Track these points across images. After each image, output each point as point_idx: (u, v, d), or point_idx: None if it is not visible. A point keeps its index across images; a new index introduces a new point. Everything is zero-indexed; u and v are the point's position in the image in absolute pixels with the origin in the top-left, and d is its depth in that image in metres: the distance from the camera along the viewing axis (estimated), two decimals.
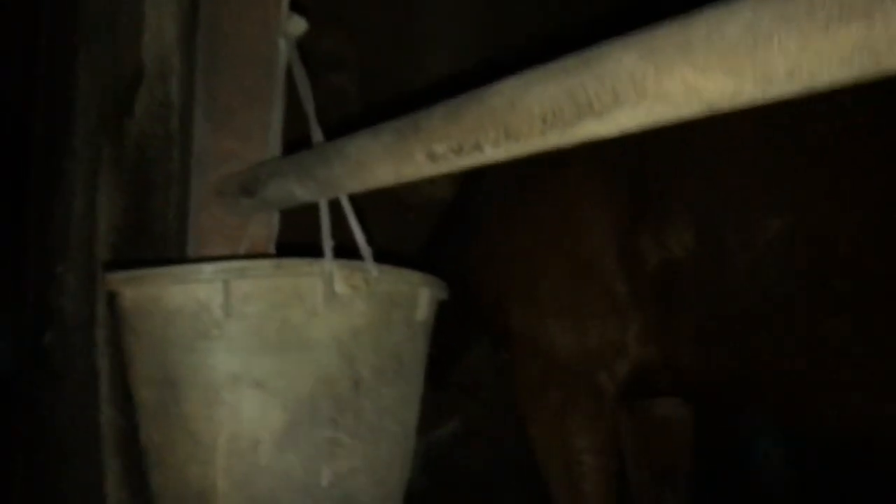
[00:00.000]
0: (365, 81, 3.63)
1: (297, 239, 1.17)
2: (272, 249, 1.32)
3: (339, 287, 1.01)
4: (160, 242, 1.47)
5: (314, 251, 1.03)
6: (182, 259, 1.29)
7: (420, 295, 1.13)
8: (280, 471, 0.97)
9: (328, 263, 1.00)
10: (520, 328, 2.01)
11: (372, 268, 1.05)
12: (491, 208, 2.19)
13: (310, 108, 1.19)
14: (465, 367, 2.90)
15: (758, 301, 1.62)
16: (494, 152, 0.64)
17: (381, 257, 1.09)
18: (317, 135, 1.16)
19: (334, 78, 3.53)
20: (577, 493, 1.93)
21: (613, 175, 1.88)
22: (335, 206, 1.10)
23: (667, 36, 0.49)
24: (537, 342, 1.99)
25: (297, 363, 0.99)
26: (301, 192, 0.98)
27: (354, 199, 1.12)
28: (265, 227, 1.27)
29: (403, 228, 3.38)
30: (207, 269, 0.94)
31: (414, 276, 1.12)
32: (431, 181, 1.25)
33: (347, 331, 1.03)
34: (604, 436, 1.95)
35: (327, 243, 1.02)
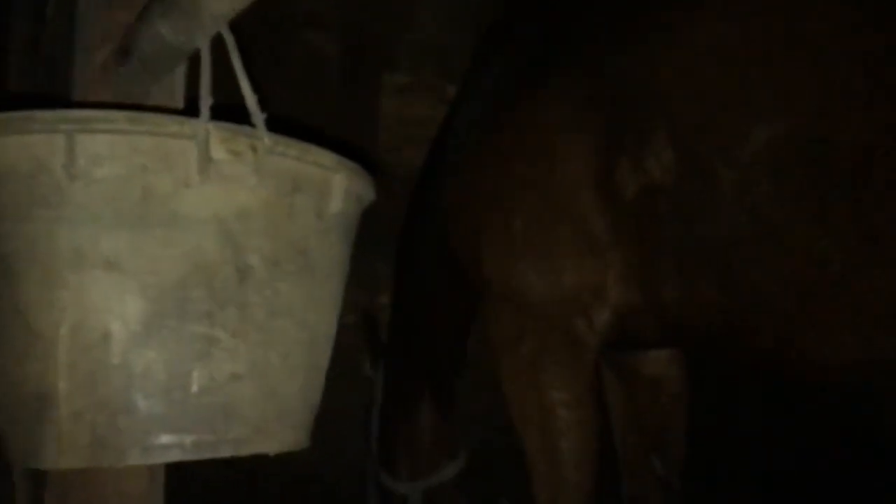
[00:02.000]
0: (347, 42, 3.45)
1: None
2: None
3: (217, 152, 0.83)
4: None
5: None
6: None
7: (333, 182, 0.95)
8: (137, 371, 0.79)
9: (203, 122, 0.82)
10: (492, 275, 1.82)
11: (263, 133, 0.87)
12: (462, 151, 2.00)
13: None
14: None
15: (746, 224, 1.42)
16: None
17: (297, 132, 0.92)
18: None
19: (313, 36, 3.36)
20: (553, 451, 1.74)
21: (588, 102, 1.69)
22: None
23: None
24: (510, 288, 1.80)
25: (162, 242, 0.81)
26: (167, 29, 0.80)
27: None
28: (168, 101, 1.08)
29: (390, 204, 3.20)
30: (44, 116, 0.77)
31: (326, 157, 0.94)
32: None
33: (232, 210, 0.85)
34: (582, 388, 1.75)
35: (205, 100, 0.84)
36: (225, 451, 0.82)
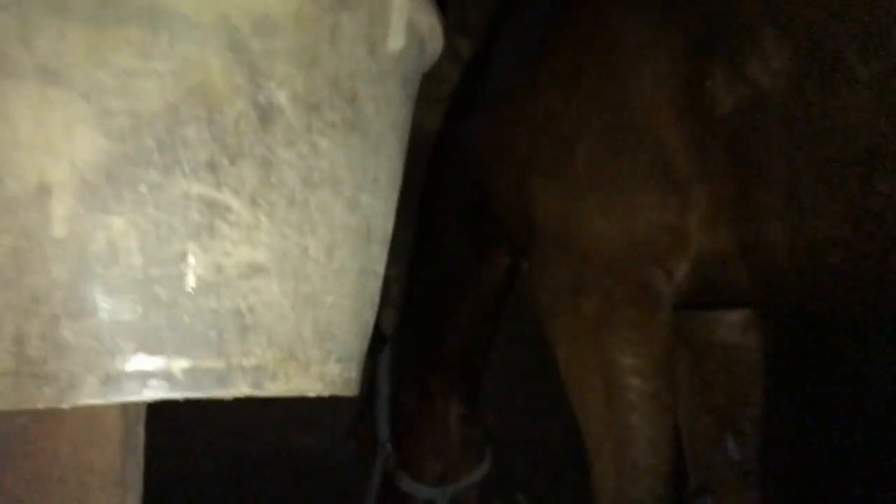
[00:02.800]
0: None
1: None
2: None
3: None
4: None
5: None
6: None
7: (392, 5, 0.65)
8: (94, 249, 0.48)
9: None
10: (545, 216, 1.51)
11: None
12: (504, 72, 1.70)
13: None
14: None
15: (889, 135, 1.12)
16: None
17: None
18: None
19: None
20: (622, 429, 1.43)
21: (671, 8, 1.39)
22: None
23: None
24: (568, 232, 1.49)
25: (139, 49, 0.50)
26: None
27: None
28: None
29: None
30: None
31: None
32: None
33: (249, 17, 0.54)
34: (657, 353, 1.45)
35: None
36: (239, 387, 0.51)
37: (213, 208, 0.51)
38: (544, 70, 1.55)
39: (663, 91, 1.37)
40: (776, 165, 1.26)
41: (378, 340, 2.17)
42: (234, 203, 0.52)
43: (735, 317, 1.70)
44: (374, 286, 0.64)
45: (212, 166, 0.51)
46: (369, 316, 0.65)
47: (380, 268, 0.66)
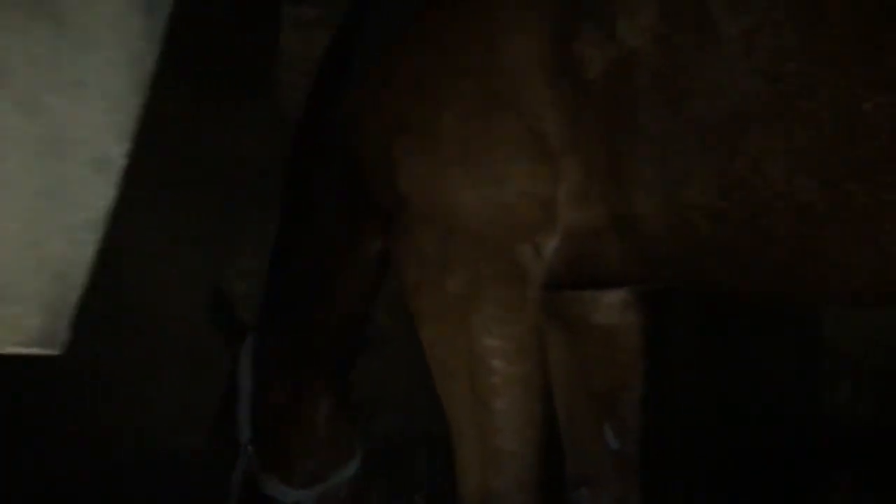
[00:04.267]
0: None
1: None
2: None
3: None
4: None
5: None
6: None
7: None
8: None
9: None
10: (410, 185, 1.41)
11: None
12: (374, 34, 1.58)
13: None
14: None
15: (760, 92, 1.07)
16: None
17: None
18: None
19: None
20: (486, 415, 1.33)
21: None
22: None
23: None
24: (434, 205, 1.39)
25: None
26: None
27: None
28: None
29: None
30: None
31: None
32: None
33: None
34: (525, 334, 1.36)
35: None
36: None
37: None
38: (412, 30, 1.45)
39: (531, 53, 1.29)
40: (647, 130, 1.19)
41: (238, 332, 2.02)
42: None
43: (613, 296, 1.63)
44: (76, 220, 0.51)
45: None
46: (76, 256, 0.52)
47: (88, 200, 0.53)
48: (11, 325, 0.45)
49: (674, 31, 1.13)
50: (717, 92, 1.09)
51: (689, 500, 2.57)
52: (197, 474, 2.52)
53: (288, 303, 1.94)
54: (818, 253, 1.11)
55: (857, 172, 1.03)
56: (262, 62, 3.16)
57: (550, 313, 1.67)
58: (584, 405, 1.66)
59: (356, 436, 1.99)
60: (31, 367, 1.58)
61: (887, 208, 1.03)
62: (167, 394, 2.98)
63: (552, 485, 1.48)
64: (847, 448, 2.42)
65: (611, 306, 1.64)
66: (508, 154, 1.33)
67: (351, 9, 1.86)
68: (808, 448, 2.48)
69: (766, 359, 2.51)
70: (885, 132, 0.99)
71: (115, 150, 0.55)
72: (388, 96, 1.47)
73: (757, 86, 1.06)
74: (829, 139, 1.03)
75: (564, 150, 1.31)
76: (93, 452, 2.81)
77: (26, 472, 2.75)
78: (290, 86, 3.06)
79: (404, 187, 1.41)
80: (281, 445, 1.91)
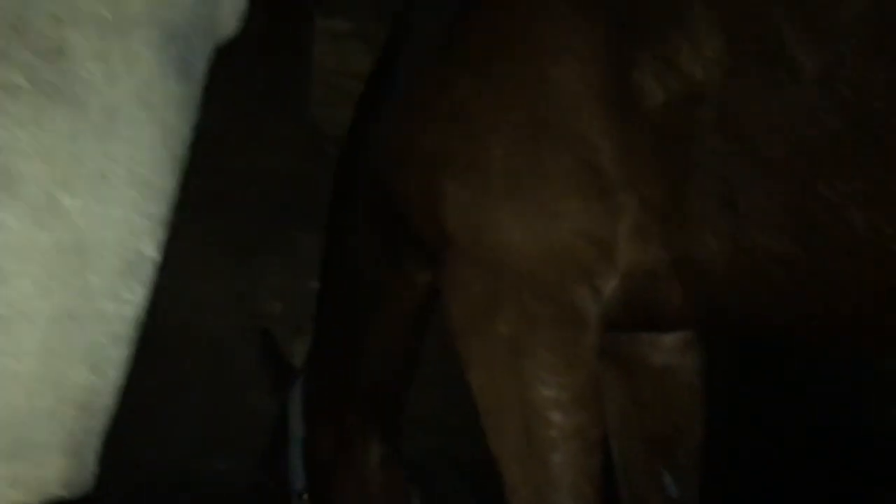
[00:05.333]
0: None
1: None
2: None
3: None
4: None
5: None
6: None
7: None
8: None
9: None
10: (456, 223, 1.33)
11: None
12: (413, 59, 1.51)
13: None
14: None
15: (839, 135, 0.96)
16: None
17: None
18: None
19: None
20: (542, 470, 1.24)
21: None
22: None
23: None
24: (482, 241, 1.31)
25: None
26: None
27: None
28: None
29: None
30: None
31: None
32: None
33: None
34: (582, 382, 1.27)
35: None
36: None
37: None
38: (455, 56, 1.37)
39: (586, 82, 1.20)
40: (711, 167, 1.10)
41: (288, 375, 1.95)
42: None
43: (672, 338, 1.53)
44: (104, 334, 0.44)
45: None
46: (99, 382, 0.45)
47: (120, 308, 0.46)
48: (34, 481, 0.37)
49: (743, 64, 1.03)
50: (793, 131, 1.00)
51: None
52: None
53: (334, 346, 1.87)
54: None
55: None
56: (295, 75, 3.12)
57: (604, 353, 1.58)
58: (641, 450, 1.56)
59: (409, 481, 1.91)
60: None
61: None
62: (195, 414, 2.93)
63: None
64: None
65: (669, 347, 1.55)
66: (561, 189, 1.25)
67: (393, 31, 1.80)
68: (862, 469, 2.37)
69: (818, 379, 2.40)
70: None
71: (147, 246, 0.48)
72: (430, 126, 1.39)
73: (838, 126, 0.96)
74: None
75: (621, 185, 1.22)
76: (116, 473, 2.77)
77: None
78: (323, 99, 3.02)
79: (449, 224, 1.34)
80: (334, 495, 1.84)
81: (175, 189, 0.51)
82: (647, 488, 1.56)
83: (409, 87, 1.48)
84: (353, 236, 1.79)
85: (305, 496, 1.82)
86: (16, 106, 0.40)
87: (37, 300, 0.40)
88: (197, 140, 0.60)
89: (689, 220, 1.15)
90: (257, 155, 3.15)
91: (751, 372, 2.45)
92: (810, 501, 2.31)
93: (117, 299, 0.46)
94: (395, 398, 1.89)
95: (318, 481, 1.84)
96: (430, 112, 1.39)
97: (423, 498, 2.01)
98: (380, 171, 1.60)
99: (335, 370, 1.85)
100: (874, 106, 0.93)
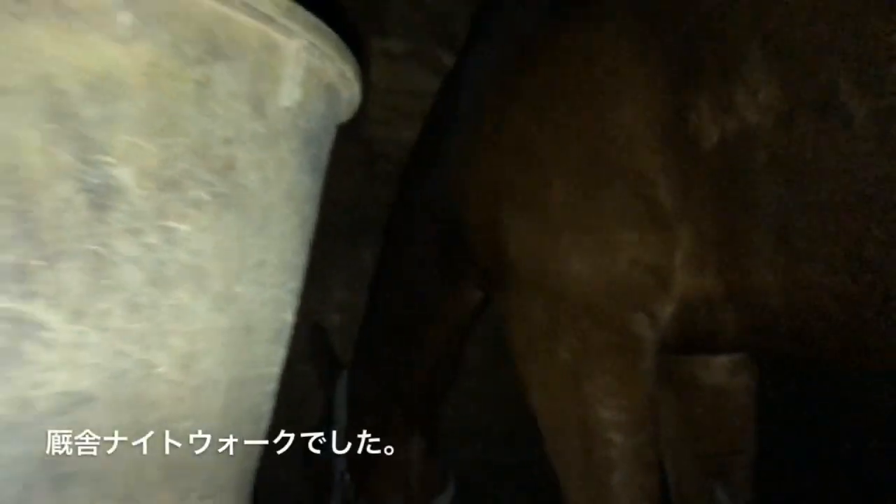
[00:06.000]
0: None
1: None
2: None
3: None
4: None
5: None
6: None
7: (285, 50, 0.54)
8: None
9: None
10: (518, 252, 1.40)
11: None
12: (475, 90, 1.58)
13: None
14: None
15: (889, 179, 1.01)
16: None
17: None
18: None
19: None
20: (601, 489, 1.31)
21: (647, 25, 1.28)
22: None
23: None
24: (543, 271, 1.38)
25: None
26: None
27: None
28: None
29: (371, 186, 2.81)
30: None
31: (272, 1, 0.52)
32: None
33: (80, 74, 0.43)
34: (640, 405, 1.33)
35: None
36: None
37: (20, 325, 0.40)
38: (516, 92, 1.44)
39: (645, 121, 1.26)
40: (766, 205, 1.15)
41: (335, 367, 2.09)
42: (50, 317, 0.41)
43: (724, 359, 1.59)
44: (261, 393, 0.53)
45: (21, 272, 0.40)
46: (257, 431, 0.54)
47: (271, 370, 0.55)
48: None
49: (796, 110, 1.08)
50: (845, 175, 1.04)
51: None
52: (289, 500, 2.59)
53: (381, 345, 2.00)
54: None
55: None
56: None
57: (658, 374, 1.64)
58: (694, 468, 1.62)
59: (446, 474, 2.04)
60: None
61: None
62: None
63: None
64: None
65: (722, 368, 1.60)
66: (619, 222, 1.31)
67: (458, 61, 1.88)
68: None
69: (864, 417, 2.39)
70: None
71: (290, 315, 0.57)
72: (493, 159, 1.46)
73: (889, 171, 1.00)
74: None
75: (677, 217, 1.28)
76: None
77: None
78: (380, 118, 3.10)
79: (512, 253, 1.41)
80: (373, 480, 1.98)
81: (305, 269, 0.61)
82: (702, 501, 1.62)
83: (473, 119, 1.55)
84: (410, 250, 1.89)
85: (347, 476, 1.96)
86: (201, 216, 0.49)
87: (219, 372, 0.49)
88: None
89: (745, 254, 1.20)
90: None
91: (803, 391, 2.47)
92: None
93: (270, 363, 0.55)
94: (437, 397, 2.01)
95: (359, 466, 1.98)
96: (493, 146, 1.46)
97: (474, 500, 2.12)
98: (443, 196, 1.68)
99: (381, 370, 1.97)
100: None
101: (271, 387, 0.55)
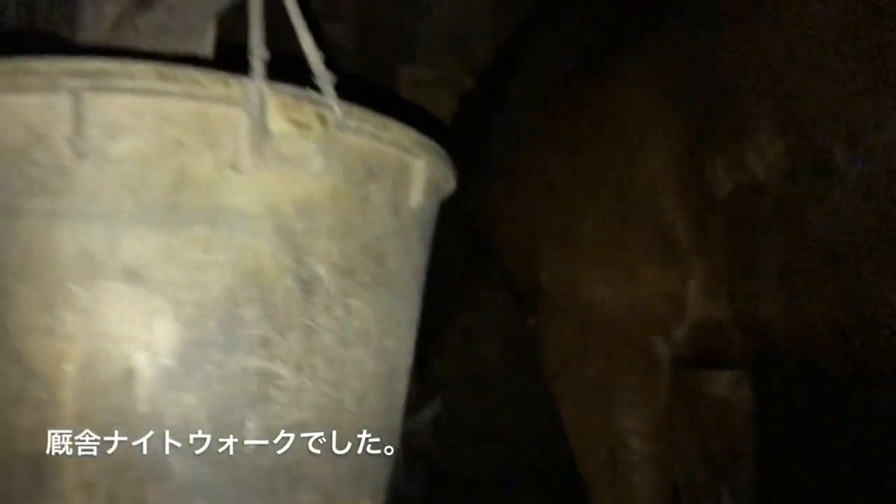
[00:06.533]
0: (363, 32, 3.27)
1: None
2: None
3: (276, 123, 0.61)
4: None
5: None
6: None
7: (413, 168, 0.74)
8: (172, 422, 0.58)
9: (256, 82, 0.61)
10: (552, 281, 1.60)
11: (333, 101, 0.65)
12: (516, 128, 1.77)
13: None
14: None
15: (876, 231, 1.20)
16: None
17: (351, 95, 0.69)
18: None
19: (328, 27, 3.16)
20: (624, 487, 1.51)
21: (672, 85, 1.46)
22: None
23: None
24: (574, 298, 1.57)
25: (203, 245, 0.60)
26: None
27: None
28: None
29: None
30: (42, 66, 0.55)
31: (406, 136, 0.72)
32: None
33: (293, 202, 0.64)
34: (657, 415, 1.53)
35: (257, 52, 0.62)
36: None
37: (267, 378, 0.60)
38: (550, 135, 1.62)
39: (666, 170, 1.45)
40: (771, 248, 1.34)
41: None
42: (283, 371, 0.61)
43: (727, 374, 1.78)
44: (398, 418, 0.74)
45: (265, 341, 0.61)
46: (395, 445, 0.74)
47: (402, 400, 0.75)
48: None
49: (799, 170, 1.27)
50: (839, 226, 1.22)
51: None
52: None
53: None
54: None
55: None
56: None
57: (672, 385, 1.85)
58: (702, 469, 1.82)
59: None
60: None
61: None
62: None
63: None
64: None
65: (725, 381, 1.80)
66: (642, 258, 1.50)
67: (485, 91, 2.09)
68: None
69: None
70: None
71: (412, 357, 0.77)
72: (529, 198, 1.66)
73: (875, 224, 1.19)
74: None
75: (693, 252, 1.47)
76: None
77: None
78: None
79: (546, 282, 1.61)
80: None
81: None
82: (708, 500, 1.82)
83: (508, 162, 1.75)
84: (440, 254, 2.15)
85: None
86: (366, 294, 0.69)
87: (378, 403, 0.69)
88: None
89: (752, 287, 1.39)
90: None
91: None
92: None
93: (403, 394, 0.75)
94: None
95: None
96: (528, 186, 1.66)
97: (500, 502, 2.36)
98: (480, 227, 1.88)
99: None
100: None
101: (403, 409, 0.76)
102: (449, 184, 0.83)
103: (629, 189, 1.50)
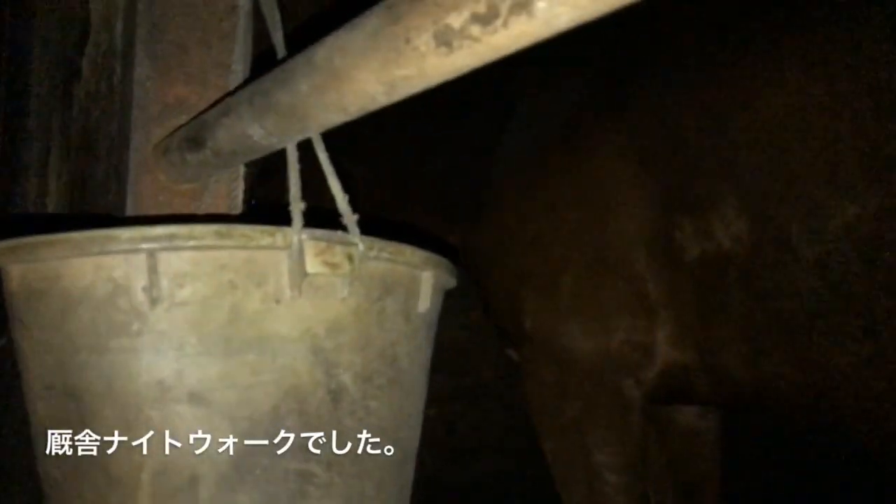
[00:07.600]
0: None
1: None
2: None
3: (313, 266, 0.74)
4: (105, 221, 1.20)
5: (284, 219, 0.77)
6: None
7: (423, 280, 0.86)
8: None
9: (297, 232, 0.73)
10: (534, 327, 1.74)
11: (358, 239, 0.78)
12: (506, 185, 1.90)
13: (279, 39, 0.92)
14: None
15: (828, 301, 1.34)
16: (552, 10, 0.37)
17: (368, 226, 0.82)
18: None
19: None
20: None
21: (647, 155, 1.61)
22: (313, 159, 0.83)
23: None
24: (554, 344, 1.72)
25: (253, 368, 0.72)
26: (258, 131, 0.71)
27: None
28: (225, 194, 1.00)
29: None
30: (125, 234, 0.67)
31: (415, 255, 0.85)
32: None
33: (323, 324, 0.76)
34: (630, 451, 1.68)
35: (296, 205, 0.75)
36: None
37: (305, 477, 0.73)
38: (537, 195, 1.77)
39: (640, 233, 1.60)
40: (734, 309, 1.48)
41: None
42: (318, 470, 0.74)
43: (693, 408, 1.94)
44: (408, 494, 0.87)
45: (303, 447, 0.73)
46: None
47: (412, 478, 0.88)
48: None
49: (760, 244, 1.40)
50: (796, 297, 1.35)
51: None
52: None
53: None
54: (878, 420, 1.38)
55: None
56: None
57: (644, 416, 2.00)
58: (672, 493, 1.97)
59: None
60: None
61: None
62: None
63: None
64: None
65: (693, 413, 1.95)
66: (615, 308, 1.65)
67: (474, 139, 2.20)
68: None
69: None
70: None
71: (417, 444, 0.90)
72: (515, 249, 1.80)
73: (829, 299, 1.33)
74: (888, 346, 1.29)
75: (662, 306, 1.61)
76: None
77: None
78: None
79: (529, 329, 1.75)
80: None
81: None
82: None
83: (497, 213, 1.88)
84: None
85: None
86: (382, 395, 0.82)
87: (391, 487, 0.83)
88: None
89: (716, 340, 1.53)
90: None
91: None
92: None
93: (412, 472, 0.89)
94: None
95: None
96: (514, 238, 1.80)
97: None
98: (472, 268, 2.01)
99: None
100: (854, 288, 1.31)
101: (412, 485, 0.89)
102: (451, 284, 0.97)
103: (605, 247, 1.65)
